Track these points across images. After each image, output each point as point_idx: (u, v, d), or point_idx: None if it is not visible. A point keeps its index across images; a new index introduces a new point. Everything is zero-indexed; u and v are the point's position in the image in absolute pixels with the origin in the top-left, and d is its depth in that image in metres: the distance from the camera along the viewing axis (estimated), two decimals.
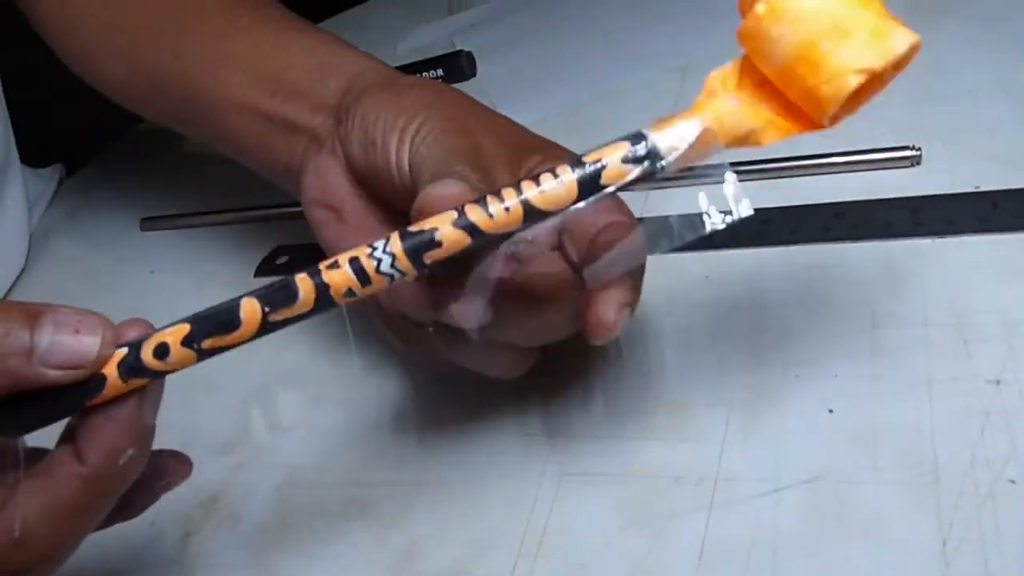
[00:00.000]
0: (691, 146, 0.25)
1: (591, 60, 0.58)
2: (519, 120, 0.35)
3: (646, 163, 0.25)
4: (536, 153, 0.32)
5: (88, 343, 0.26)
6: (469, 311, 0.29)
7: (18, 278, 0.57)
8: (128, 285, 0.54)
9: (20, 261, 0.58)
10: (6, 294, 0.56)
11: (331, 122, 0.35)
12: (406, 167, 0.31)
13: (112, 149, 0.69)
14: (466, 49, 0.60)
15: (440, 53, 0.61)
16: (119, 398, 0.26)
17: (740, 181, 0.36)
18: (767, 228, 0.39)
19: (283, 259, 0.50)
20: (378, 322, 0.34)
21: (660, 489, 0.31)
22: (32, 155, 0.63)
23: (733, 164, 0.44)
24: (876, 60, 0.23)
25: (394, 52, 0.65)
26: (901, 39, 0.23)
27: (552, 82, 0.57)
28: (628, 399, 0.35)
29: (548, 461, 0.34)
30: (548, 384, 0.36)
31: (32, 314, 0.26)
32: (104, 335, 0.26)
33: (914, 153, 0.41)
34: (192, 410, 0.42)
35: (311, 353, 0.42)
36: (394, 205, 0.33)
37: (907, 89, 0.45)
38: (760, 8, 0.24)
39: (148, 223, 0.58)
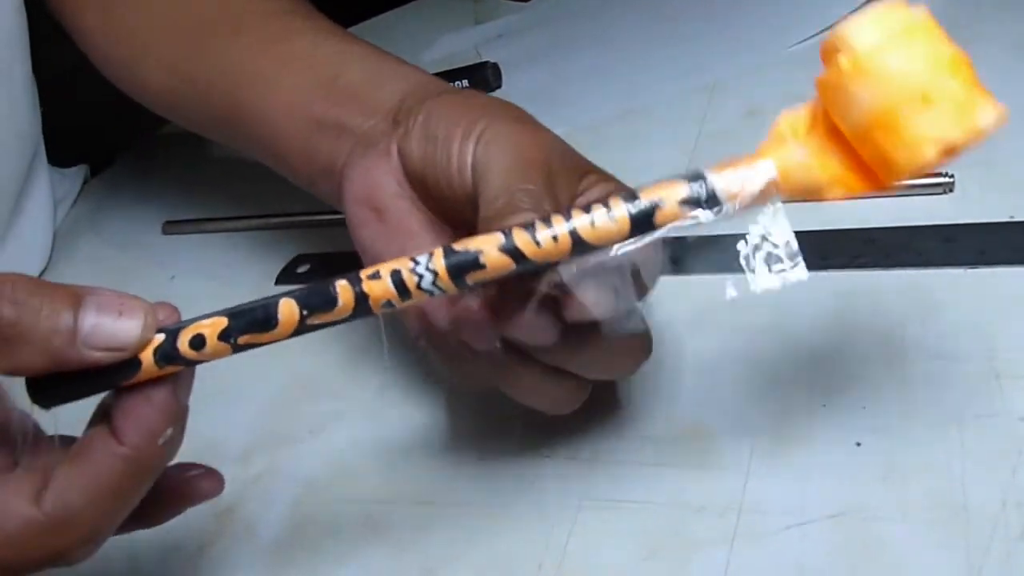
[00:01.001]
0: (754, 196, 0.24)
1: (617, 76, 0.57)
2: None
3: (704, 208, 0.25)
4: (592, 175, 0.32)
5: (130, 327, 0.26)
6: (539, 325, 0.28)
7: (40, 275, 0.57)
8: (148, 288, 0.53)
9: (43, 259, 0.58)
10: None
11: (385, 125, 0.35)
12: (468, 164, 0.31)
13: (137, 151, 0.69)
14: (492, 60, 0.60)
15: (466, 64, 0.61)
16: (153, 380, 0.26)
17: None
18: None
19: (304, 267, 0.49)
20: (423, 340, 0.33)
21: (682, 518, 0.31)
22: (58, 155, 0.63)
23: None
24: (958, 133, 0.22)
25: (419, 61, 0.64)
26: (987, 114, 0.22)
27: (576, 97, 0.56)
28: (651, 424, 0.34)
29: (568, 485, 0.33)
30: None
31: (76, 296, 0.26)
32: (145, 319, 0.26)
33: (947, 180, 0.40)
34: (210, 419, 0.41)
35: (331, 365, 0.42)
36: (445, 205, 0.33)
37: None
38: (844, 62, 0.23)
39: (171, 226, 0.58)
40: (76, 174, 0.66)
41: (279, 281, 0.49)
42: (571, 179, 0.31)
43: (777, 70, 0.52)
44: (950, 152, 0.23)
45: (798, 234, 0.39)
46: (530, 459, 0.35)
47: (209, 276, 0.52)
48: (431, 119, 0.33)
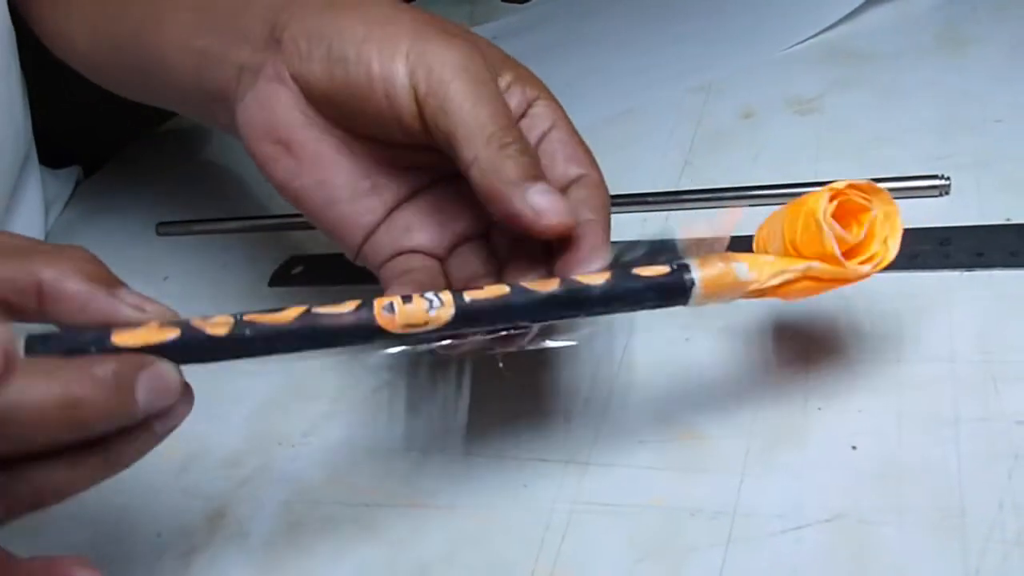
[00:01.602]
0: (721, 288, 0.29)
1: (613, 77, 0.57)
2: None
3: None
4: (508, 73, 0.33)
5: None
6: None
7: None
8: (141, 289, 0.52)
9: None
10: None
11: (264, 48, 0.33)
12: (398, 87, 0.31)
13: (130, 153, 0.69)
14: None
15: None
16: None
17: (765, 206, 0.37)
18: None
19: (298, 269, 0.49)
20: None
21: (676, 522, 0.31)
22: (50, 156, 0.63)
23: (756, 188, 0.44)
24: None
25: None
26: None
27: (573, 98, 0.56)
28: (646, 427, 0.34)
29: (562, 488, 0.33)
30: (564, 410, 0.36)
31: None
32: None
33: (942, 182, 0.40)
34: (201, 420, 0.41)
35: (323, 367, 0.42)
36: (365, 125, 0.32)
37: (935, 117, 0.44)
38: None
39: (164, 228, 0.58)
40: (68, 175, 0.66)
41: (273, 283, 0.49)
42: (496, 77, 0.32)
43: (773, 71, 0.52)
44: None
45: None
46: (524, 462, 0.34)
47: (203, 278, 0.52)
48: (327, 37, 0.32)
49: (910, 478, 0.30)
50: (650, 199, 0.44)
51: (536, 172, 0.31)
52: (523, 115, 0.34)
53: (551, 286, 0.28)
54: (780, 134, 0.47)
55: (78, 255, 0.28)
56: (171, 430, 0.27)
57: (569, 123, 0.35)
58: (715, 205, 0.43)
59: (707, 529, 0.30)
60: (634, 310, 0.29)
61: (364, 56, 0.31)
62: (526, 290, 0.28)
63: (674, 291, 0.29)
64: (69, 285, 0.27)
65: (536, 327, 0.30)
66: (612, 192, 0.34)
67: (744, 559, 0.29)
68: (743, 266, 0.29)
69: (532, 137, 0.34)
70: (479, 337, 0.29)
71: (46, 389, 0.24)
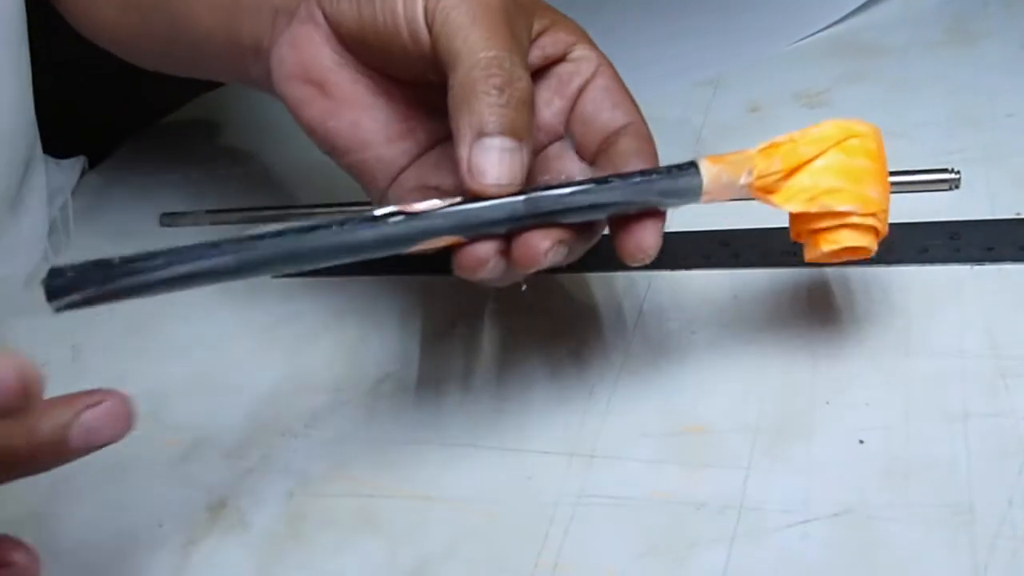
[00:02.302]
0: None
1: (621, 70, 0.56)
2: None
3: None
4: (545, 17, 0.32)
5: None
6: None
7: (36, 267, 0.57)
8: None
9: (40, 250, 0.58)
10: (25, 283, 0.55)
11: None
12: (420, 23, 0.30)
13: (135, 143, 0.69)
14: None
15: None
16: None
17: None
18: (799, 248, 0.38)
19: None
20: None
21: (681, 515, 0.30)
22: (54, 145, 0.63)
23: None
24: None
25: None
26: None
27: None
28: (651, 420, 0.34)
29: (566, 481, 0.33)
30: (569, 402, 0.35)
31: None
32: None
33: (953, 176, 0.39)
34: (204, 411, 0.41)
35: (327, 358, 0.42)
36: (394, 65, 0.32)
37: (946, 111, 0.44)
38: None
39: (168, 219, 0.57)
40: (73, 165, 0.65)
41: (276, 274, 0.48)
42: (527, 20, 0.31)
43: (781, 66, 0.52)
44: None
45: None
46: (528, 455, 0.34)
47: None
48: None
49: (918, 473, 0.29)
50: None
51: (509, 121, 0.28)
52: (561, 59, 0.33)
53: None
54: (788, 128, 0.46)
55: None
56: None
57: (613, 70, 0.33)
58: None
59: (712, 523, 0.30)
60: (648, 200, 0.29)
61: None
62: (549, 185, 0.29)
63: (682, 169, 0.29)
64: None
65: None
66: None
67: (750, 554, 0.29)
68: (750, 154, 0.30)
69: (573, 85, 0.33)
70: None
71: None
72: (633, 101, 0.33)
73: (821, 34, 0.53)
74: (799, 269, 0.38)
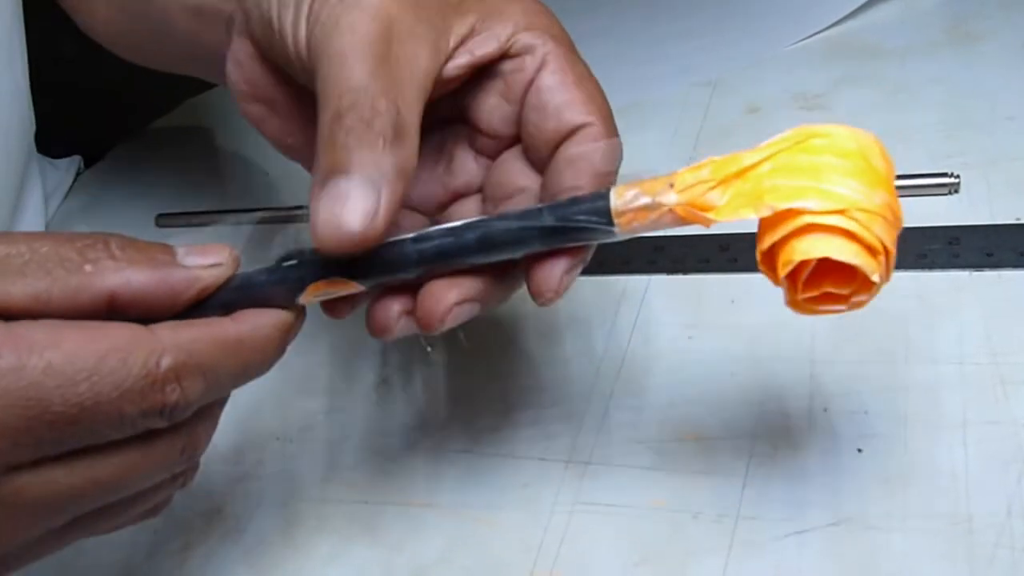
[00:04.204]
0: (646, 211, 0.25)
1: (618, 72, 0.56)
2: None
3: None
4: (471, 12, 0.28)
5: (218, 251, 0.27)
6: None
7: None
8: None
9: None
10: None
11: (235, 3, 0.31)
12: (303, 48, 0.27)
13: (131, 143, 0.68)
14: None
15: None
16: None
17: None
18: None
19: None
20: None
21: (677, 524, 0.30)
22: (50, 145, 0.62)
23: None
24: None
25: None
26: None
27: None
28: (648, 428, 0.33)
29: (562, 489, 0.32)
30: (565, 409, 0.35)
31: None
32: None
33: (952, 181, 0.39)
34: None
35: (323, 363, 0.41)
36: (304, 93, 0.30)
37: (944, 114, 0.44)
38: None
39: (164, 219, 0.57)
40: (69, 165, 0.65)
41: None
42: (433, 30, 0.27)
43: (780, 66, 0.51)
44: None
45: None
46: (524, 462, 0.34)
47: None
48: None
49: (917, 482, 0.29)
50: None
51: (358, 160, 0.25)
52: (502, 56, 0.29)
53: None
54: (786, 130, 0.46)
55: (122, 246, 0.25)
56: None
57: (565, 58, 0.29)
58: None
59: (709, 532, 0.30)
60: (562, 240, 0.26)
61: (282, 16, 0.28)
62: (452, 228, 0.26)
63: (592, 196, 0.26)
64: (137, 281, 0.25)
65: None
66: None
67: (747, 563, 0.29)
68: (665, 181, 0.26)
69: (518, 84, 0.29)
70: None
71: (268, 320, 0.26)
72: (592, 94, 0.29)
73: (820, 35, 0.52)
74: None
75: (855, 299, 0.24)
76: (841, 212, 0.23)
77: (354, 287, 0.27)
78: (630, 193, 0.25)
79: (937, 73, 0.46)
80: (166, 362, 0.24)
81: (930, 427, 0.30)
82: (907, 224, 0.38)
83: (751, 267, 0.38)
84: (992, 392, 0.31)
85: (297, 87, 0.30)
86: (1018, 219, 0.37)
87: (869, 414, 0.31)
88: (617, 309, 0.39)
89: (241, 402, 0.41)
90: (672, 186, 0.25)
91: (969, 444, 0.30)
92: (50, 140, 0.61)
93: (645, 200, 0.25)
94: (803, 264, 0.24)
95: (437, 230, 0.26)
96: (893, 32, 0.51)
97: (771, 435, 0.32)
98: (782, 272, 0.24)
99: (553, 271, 0.26)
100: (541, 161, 0.29)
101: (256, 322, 0.26)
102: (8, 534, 0.24)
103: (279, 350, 0.27)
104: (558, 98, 0.28)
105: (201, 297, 0.26)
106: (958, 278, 0.35)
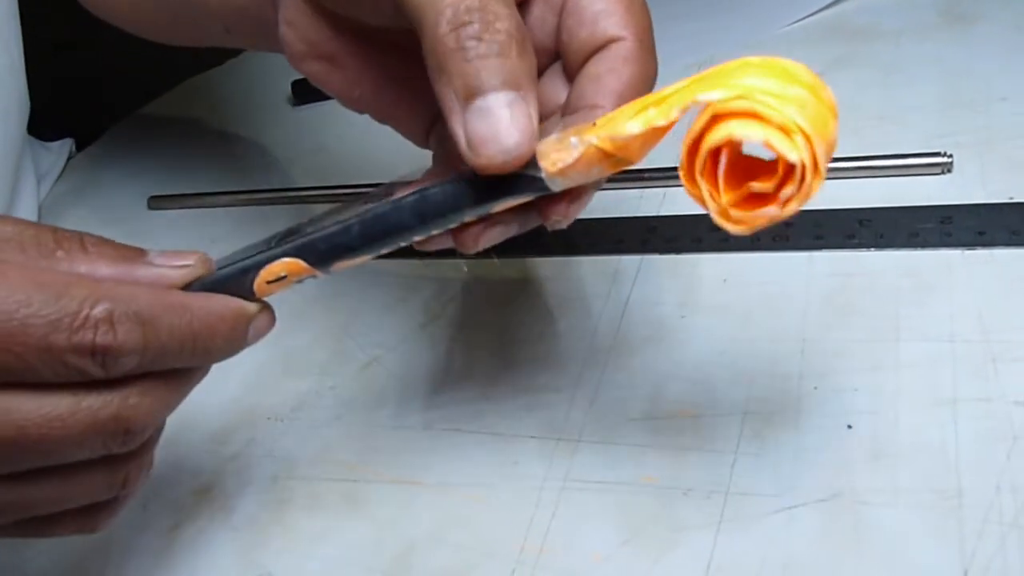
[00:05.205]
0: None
1: None
2: None
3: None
4: None
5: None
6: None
7: None
8: None
9: None
10: None
11: None
12: None
13: (123, 126, 0.68)
14: None
15: None
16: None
17: None
18: (789, 231, 0.38)
19: None
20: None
21: (668, 500, 0.30)
22: (42, 128, 0.62)
23: None
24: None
25: None
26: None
27: None
28: (638, 405, 0.33)
29: (552, 466, 0.32)
30: (556, 386, 0.35)
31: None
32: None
33: (945, 160, 0.39)
34: (190, 396, 0.41)
35: (312, 342, 0.41)
36: (377, 24, 0.29)
37: (938, 95, 0.44)
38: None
39: (156, 202, 0.57)
40: (61, 148, 0.65)
41: None
42: None
43: (773, 49, 0.51)
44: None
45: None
46: (515, 439, 0.34)
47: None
48: None
49: (907, 458, 0.29)
50: (647, 175, 0.43)
51: (498, 71, 0.24)
52: None
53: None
54: None
55: (96, 243, 0.26)
56: None
57: None
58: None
59: (699, 508, 0.30)
60: (497, 196, 0.25)
61: None
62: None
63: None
64: (103, 272, 0.26)
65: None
66: None
67: (737, 539, 0.28)
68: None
69: None
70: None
71: (223, 300, 0.27)
72: (632, 6, 0.27)
73: (814, 17, 0.52)
74: (789, 253, 0.37)
75: (783, 194, 0.22)
76: (745, 96, 0.22)
77: (303, 267, 0.27)
78: (554, 135, 0.24)
79: (931, 54, 0.46)
80: (103, 306, 0.24)
81: (921, 404, 0.30)
82: (900, 203, 0.38)
83: (744, 247, 0.38)
84: (983, 370, 0.31)
85: (357, 35, 0.30)
86: (1011, 198, 0.37)
87: (859, 391, 0.31)
88: (610, 288, 0.39)
89: (232, 381, 0.41)
90: (594, 124, 0.24)
91: (960, 421, 0.30)
92: (42, 123, 0.60)
93: (571, 140, 0.24)
94: (713, 162, 0.22)
95: (380, 204, 0.26)
96: (887, 13, 0.50)
97: (762, 412, 0.32)
98: (697, 171, 0.23)
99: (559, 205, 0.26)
100: (574, 75, 0.28)
101: (210, 297, 0.27)
102: None
103: (233, 331, 0.28)
104: (596, 5, 0.27)
105: None
106: (950, 257, 0.35)
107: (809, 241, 0.37)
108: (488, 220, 0.27)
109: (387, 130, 0.34)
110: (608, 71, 0.26)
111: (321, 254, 0.27)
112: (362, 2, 0.29)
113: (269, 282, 0.28)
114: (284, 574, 0.32)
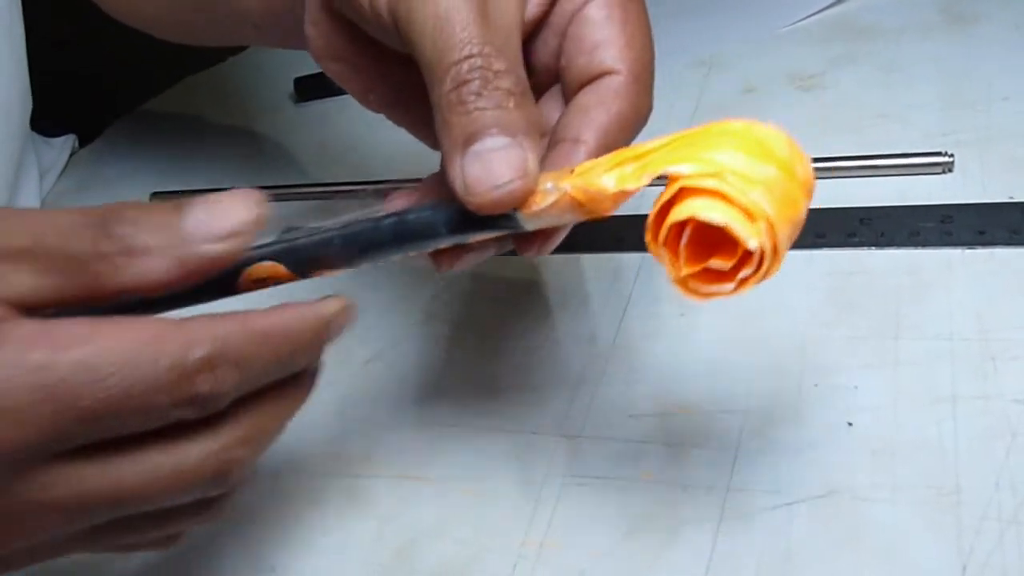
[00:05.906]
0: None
1: None
2: None
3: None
4: None
5: (238, 208, 0.25)
6: None
7: None
8: None
9: None
10: None
11: None
12: (382, 9, 0.27)
13: (125, 122, 0.68)
14: None
15: None
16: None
17: None
18: None
19: None
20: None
21: (668, 496, 0.30)
22: (45, 124, 0.62)
23: None
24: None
25: None
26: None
27: None
28: (638, 401, 0.34)
29: (553, 461, 0.33)
30: (557, 383, 0.35)
31: (178, 205, 0.25)
32: (249, 200, 0.25)
33: (946, 160, 0.39)
34: None
35: None
36: (381, 47, 0.29)
37: (939, 94, 0.44)
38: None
39: (158, 198, 0.57)
40: (64, 144, 0.65)
41: None
42: None
43: (776, 46, 0.51)
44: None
45: None
46: (516, 435, 0.34)
47: None
48: None
49: (906, 455, 0.29)
50: None
51: (494, 120, 0.24)
52: None
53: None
54: (782, 110, 0.46)
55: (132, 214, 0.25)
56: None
57: None
58: None
59: (699, 504, 0.30)
60: (472, 228, 0.26)
61: None
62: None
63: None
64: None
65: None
66: None
67: (736, 534, 0.29)
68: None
69: (566, 12, 0.28)
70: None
71: (297, 312, 0.26)
72: (634, 40, 0.27)
73: (816, 16, 0.52)
74: (790, 251, 0.38)
75: (741, 275, 0.23)
76: (714, 175, 0.22)
77: (283, 272, 0.28)
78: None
79: (932, 53, 0.46)
80: (199, 352, 0.23)
81: (920, 402, 0.31)
82: (900, 202, 0.38)
83: None
84: (982, 368, 0.31)
85: (373, 44, 0.30)
86: (1011, 197, 0.37)
87: (859, 389, 0.32)
88: (611, 286, 0.39)
89: None
90: (572, 172, 0.25)
91: (959, 418, 0.30)
92: (44, 118, 0.61)
93: (546, 185, 0.25)
94: (678, 231, 0.23)
95: (363, 221, 0.27)
96: (889, 12, 0.51)
97: (762, 409, 0.32)
98: (660, 239, 0.23)
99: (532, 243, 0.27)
100: (568, 101, 0.28)
101: (285, 313, 0.26)
102: (27, 530, 0.23)
103: (313, 343, 0.26)
104: (597, 34, 0.27)
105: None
106: (950, 256, 0.35)
107: (810, 239, 0.38)
108: (464, 246, 0.27)
109: (389, 127, 0.34)
110: (597, 104, 0.27)
111: (300, 261, 0.28)
112: (368, 23, 0.29)
113: (253, 280, 0.28)
114: (287, 569, 0.32)
